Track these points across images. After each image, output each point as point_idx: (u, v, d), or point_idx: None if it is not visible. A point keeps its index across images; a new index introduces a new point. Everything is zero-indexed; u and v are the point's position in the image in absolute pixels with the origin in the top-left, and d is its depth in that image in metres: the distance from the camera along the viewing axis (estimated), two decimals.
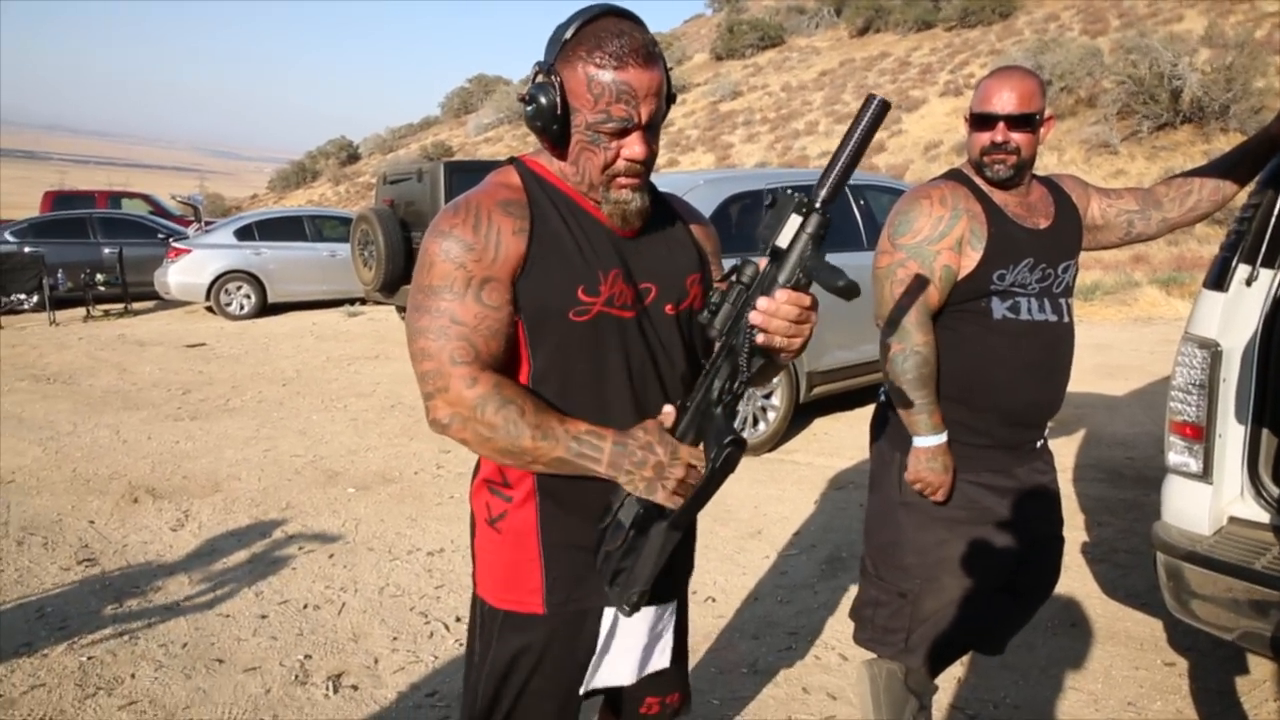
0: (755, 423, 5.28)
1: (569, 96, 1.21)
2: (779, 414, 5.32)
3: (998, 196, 1.95)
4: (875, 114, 1.06)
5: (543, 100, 1.21)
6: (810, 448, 5.38)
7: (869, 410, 6.37)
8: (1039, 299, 1.94)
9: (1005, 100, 1.86)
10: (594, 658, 1.40)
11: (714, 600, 3.28)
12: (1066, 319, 1.99)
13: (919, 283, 1.91)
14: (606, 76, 1.18)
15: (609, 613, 1.37)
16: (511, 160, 1.35)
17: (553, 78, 1.22)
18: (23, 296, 11.64)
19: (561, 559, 1.34)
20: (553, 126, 1.22)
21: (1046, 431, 2.07)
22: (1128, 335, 8.93)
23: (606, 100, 1.20)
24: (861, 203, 5.85)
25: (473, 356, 1.22)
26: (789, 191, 1.13)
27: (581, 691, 1.43)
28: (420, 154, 33.59)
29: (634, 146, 1.23)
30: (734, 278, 1.17)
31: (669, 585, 1.44)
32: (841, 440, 5.48)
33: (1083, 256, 2.07)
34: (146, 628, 2.99)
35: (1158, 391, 6.50)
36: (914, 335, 1.91)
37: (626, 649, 1.43)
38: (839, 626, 3.03)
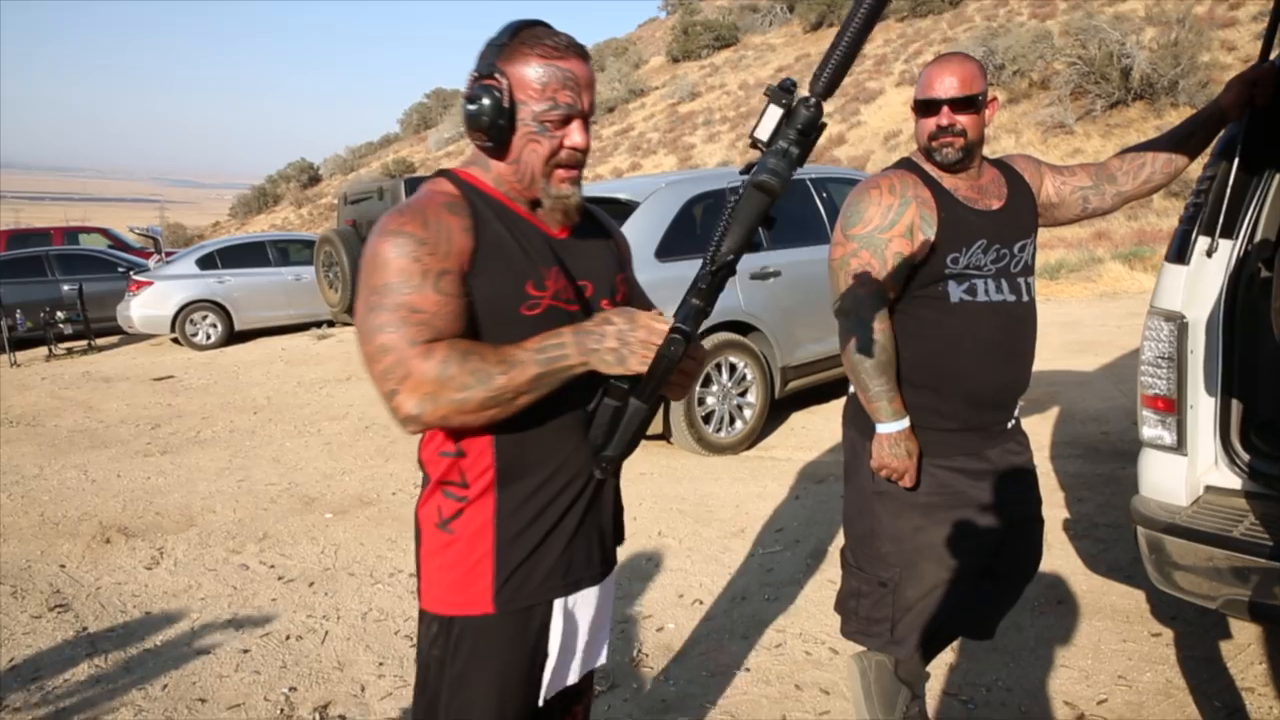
0: (732, 421, 5.27)
1: (515, 90, 1.27)
2: (755, 411, 5.32)
3: (948, 181, 1.96)
4: None
5: (487, 100, 1.26)
6: (788, 442, 5.39)
7: (844, 402, 6.42)
8: (996, 280, 1.95)
9: (947, 85, 1.89)
10: (549, 659, 1.41)
11: (701, 602, 3.26)
12: (1026, 298, 1.99)
13: (872, 271, 1.91)
14: (552, 67, 1.27)
15: (559, 608, 1.39)
16: (441, 172, 1.37)
17: (496, 77, 1.28)
18: None
19: (514, 554, 1.34)
20: (499, 122, 1.27)
21: (1017, 411, 2.08)
22: (1094, 311, 9.05)
23: (553, 88, 1.27)
24: (824, 195, 5.87)
25: (430, 337, 1.23)
26: (785, 81, 1.10)
27: (540, 700, 1.43)
28: (381, 172, 33.39)
29: (576, 135, 1.31)
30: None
31: (604, 554, 1.47)
32: (819, 433, 5.49)
33: (1045, 235, 2.08)
34: (124, 671, 2.92)
35: (1127, 365, 6.58)
36: (870, 324, 1.91)
37: (575, 645, 1.46)
38: (828, 620, 3.02)
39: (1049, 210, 2.09)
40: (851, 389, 2.11)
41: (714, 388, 5.15)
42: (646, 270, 4.76)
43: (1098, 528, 3.70)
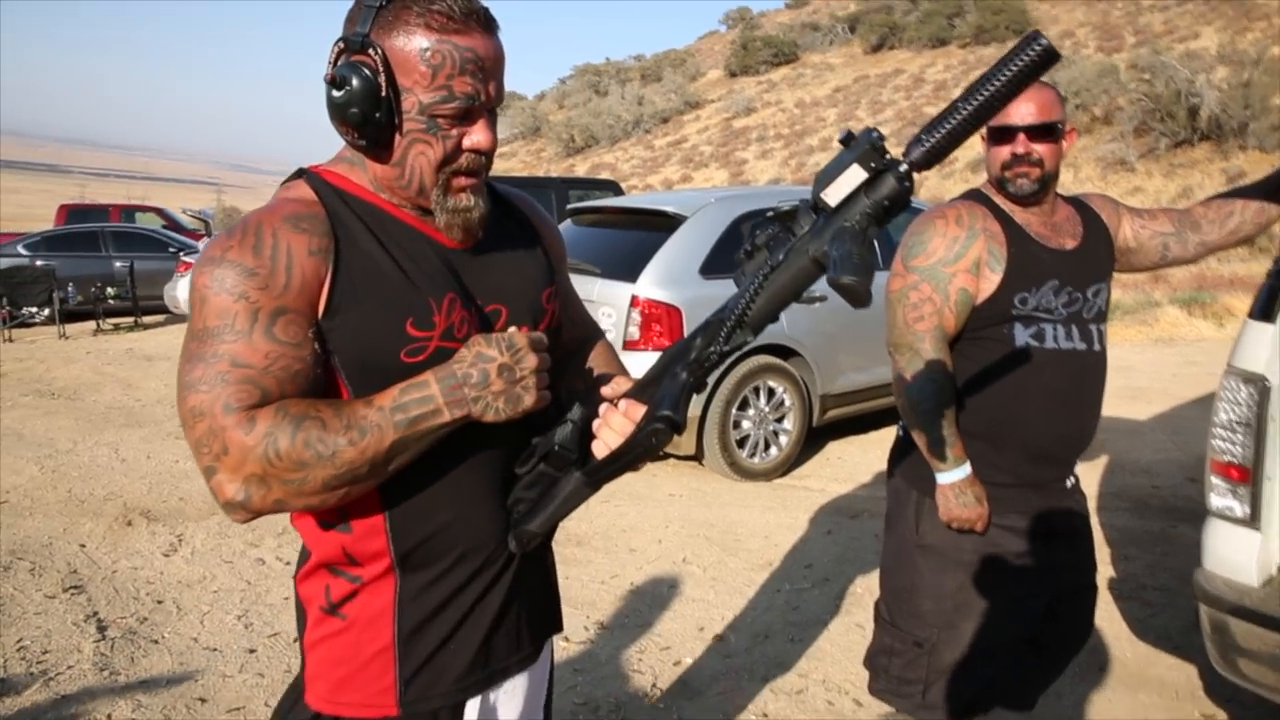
0: (767, 447, 5.13)
1: (396, 72, 0.98)
2: (791, 438, 5.17)
3: (1019, 215, 1.83)
4: (1034, 62, 0.78)
5: (356, 82, 0.97)
6: (823, 473, 5.23)
7: (883, 434, 6.24)
8: (1066, 325, 1.81)
9: (1024, 111, 1.75)
10: None
11: (721, 637, 3.13)
12: (1097, 346, 1.85)
13: (934, 306, 1.78)
14: (447, 43, 0.97)
15: (475, 707, 1.15)
16: (300, 172, 1.09)
17: (370, 52, 0.98)
18: (33, 310, 11.61)
19: (420, 646, 1.09)
20: (374, 115, 0.98)
21: (1077, 468, 1.93)
22: (1149, 357, 8.74)
23: (447, 72, 0.98)
24: None
25: (256, 400, 0.95)
26: (872, 134, 0.86)
27: None
28: None
29: (479, 134, 1.02)
30: (774, 229, 0.95)
31: (534, 634, 1.21)
32: (855, 465, 5.33)
33: None
34: (129, 663, 2.87)
35: (1182, 416, 6.32)
36: (930, 363, 1.78)
37: None
38: (853, 669, 2.88)
39: (1126, 255, 1.95)
40: (900, 432, 1.98)
41: (750, 411, 5.02)
42: (690, 287, 4.66)
43: (1146, 590, 3.50)
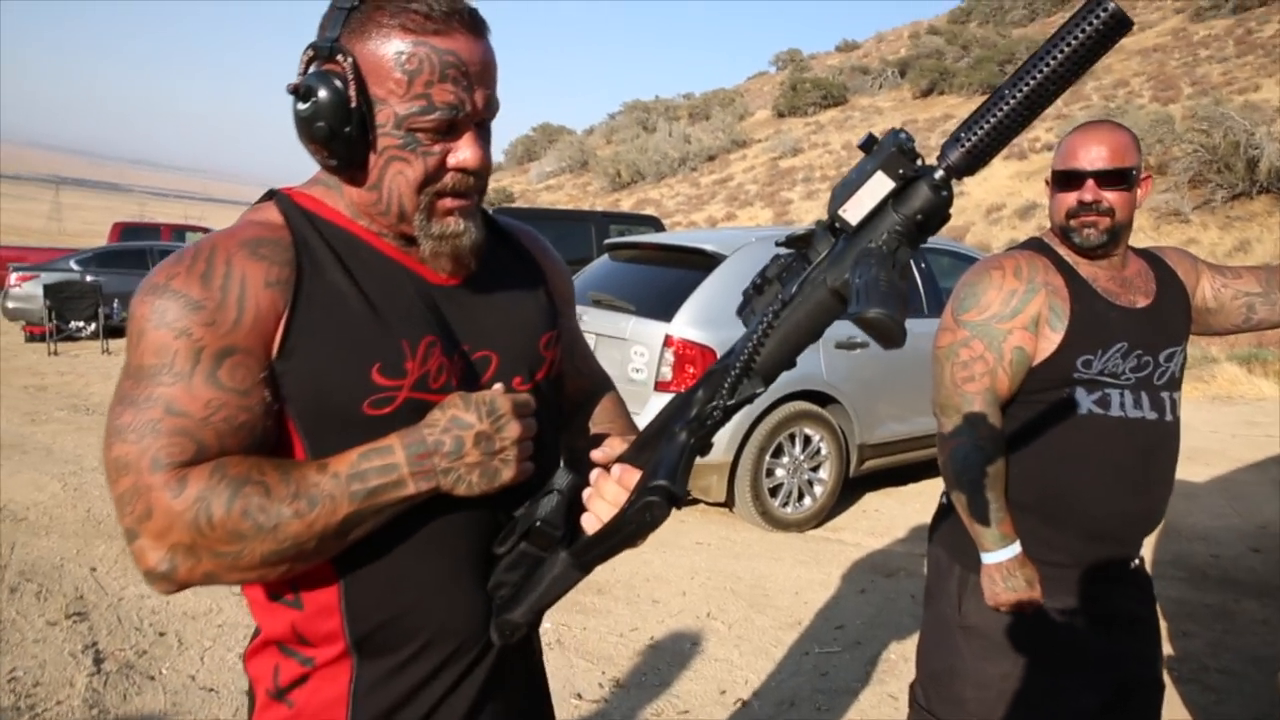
0: (801, 497, 4.93)
1: (368, 81, 0.86)
2: (827, 488, 4.97)
3: (1085, 269, 1.65)
4: (1098, 34, 0.62)
5: (324, 93, 0.85)
6: (859, 525, 5.00)
7: (923, 487, 6.00)
8: (1135, 391, 1.62)
9: (1094, 155, 1.59)
10: None
11: (744, 702, 2.93)
12: (1170, 416, 1.66)
13: (985, 366, 1.61)
14: (424, 46, 0.85)
15: None
16: (271, 194, 0.97)
17: (341, 60, 0.86)
18: (80, 324, 11.80)
19: None
20: (344, 130, 0.86)
21: (1142, 550, 1.74)
22: (1205, 415, 8.37)
23: (425, 79, 0.86)
24: (923, 265, 5.52)
25: (191, 456, 0.82)
26: (899, 135, 0.71)
27: None
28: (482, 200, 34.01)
29: (466, 150, 0.90)
30: (785, 258, 0.81)
31: None
32: (892, 519, 5.10)
33: None
34: (121, 700, 2.75)
35: (1241, 480, 5.99)
36: (979, 428, 1.60)
37: None
38: None
39: (1204, 316, 1.76)
40: (943, 499, 1.81)
41: (785, 459, 4.83)
42: (727, 328, 4.51)
43: (1208, 672, 3.23)
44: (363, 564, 0.91)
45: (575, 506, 0.93)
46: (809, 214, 24.66)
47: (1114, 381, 1.60)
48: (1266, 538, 4.77)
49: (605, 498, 0.89)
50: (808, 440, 4.90)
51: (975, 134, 0.67)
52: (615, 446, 0.96)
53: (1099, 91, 27.26)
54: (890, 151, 0.69)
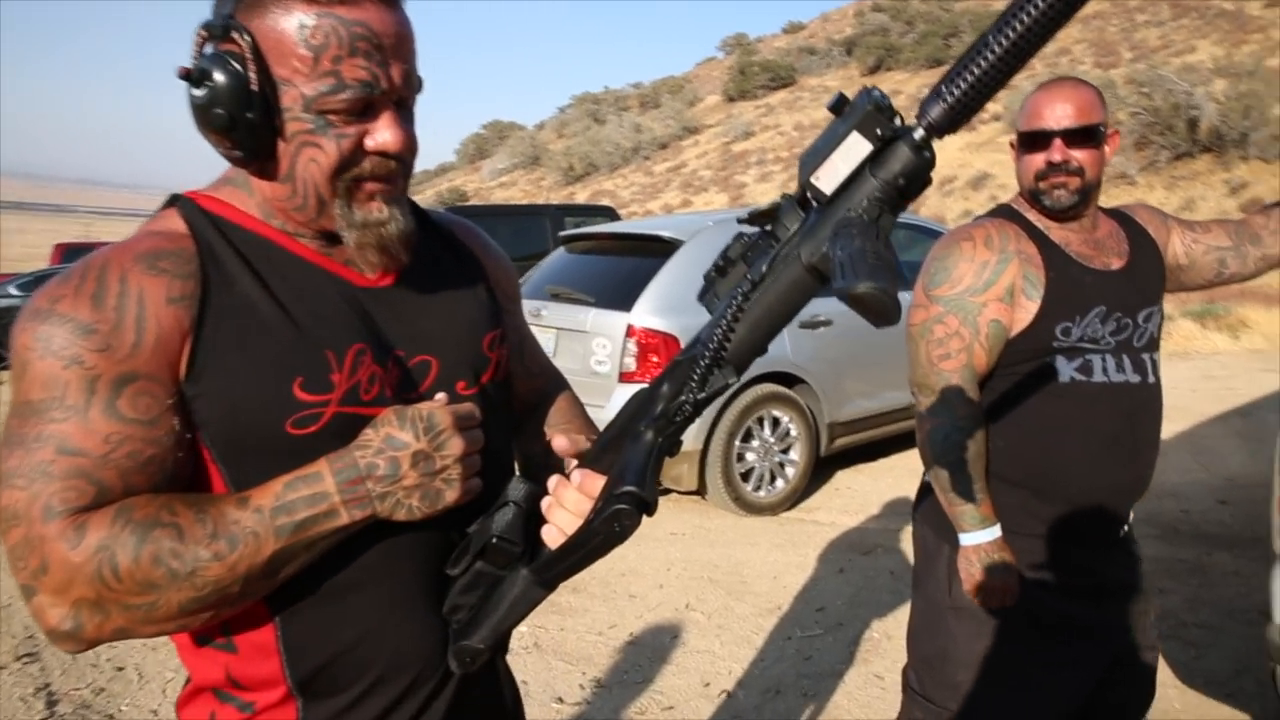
0: (773, 479, 4.88)
1: (269, 60, 0.77)
2: (798, 469, 4.92)
3: (1056, 233, 1.60)
4: None
5: (220, 77, 0.76)
6: (833, 504, 4.97)
7: (894, 461, 5.98)
8: (1116, 355, 1.58)
9: (1061, 113, 1.53)
10: None
11: (729, 694, 2.87)
12: (1152, 378, 1.62)
13: (962, 341, 1.55)
14: (330, 17, 0.76)
15: None
16: (173, 199, 0.86)
17: (237, 38, 0.76)
18: None
19: None
20: (245, 116, 0.76)
21: (1131, 519, 1.69)
22: (1164, 372, 8.44)
23: (333, 54, 0.76)
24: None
25: (90, 500, 0.73)
26: (873, 93, 0.64)
27: None
28: (435, 200, 33.66)
29: (385, 131, 0.80)
30: (749, 236, 0.74)
31: None
32: (866, 496, 5.07)
33: None
34: None
35: (1205, 434, 6.06)
36: (957, 407, 1.54)
37: None
38: None
39: (1176, 273, 1.72)
40: (926, 477, 1.75)
41: (755, 443, 4.77)
42: (689, 315, 4.44)
43: (1187, 628, 3.24)
44: (299, 599, 0.82)
45: (534, 518, 0.84)
46: (764, 196, 24.69)
47: (1094, 347, 1.55)
48: (1234, 490, 4.82)
49: (566, 507, 0.81)
50: (777, 422, 4.86)
51: (958, 88, 0.59)
52: (579, 440, 0.88)
53: (1042, 60, 27.55)
54: (865, 110, 0.62)
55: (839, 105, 0.65)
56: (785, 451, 4.91)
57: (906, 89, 29.88)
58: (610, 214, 9.99)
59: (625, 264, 4.99)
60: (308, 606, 0.83)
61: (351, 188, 0.82)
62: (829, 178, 0.64)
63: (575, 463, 0.85)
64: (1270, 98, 17.30)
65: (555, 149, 40.25)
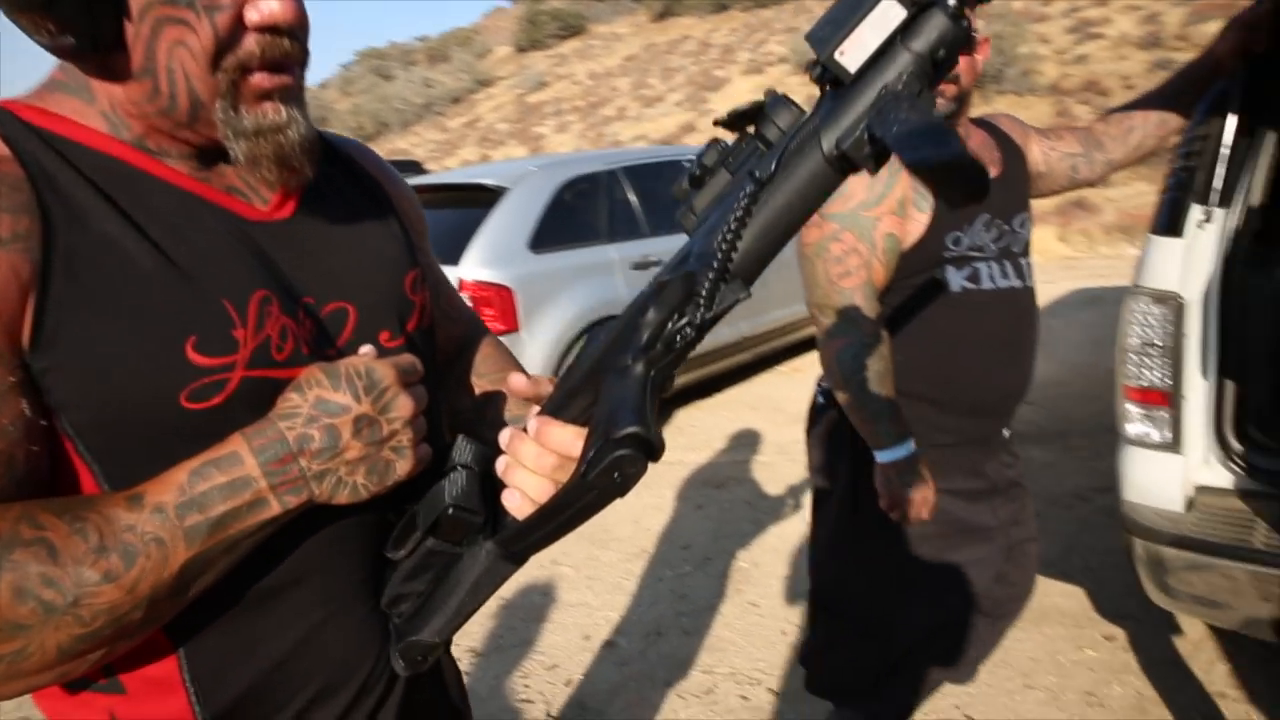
0: None
1: None
2: None
3: None
4: None
5: None
6: (677, 443, 5.02)
7: (726, 397, 6.09)
8: (999, 262, 1.61)
9: None
10: None
11: (611, 644, 2.83)
12: (1030, 282, 1.67)
13: (860, 259, 1.53)
14: None
15: None
16: None
17: None
18: None
19: None
20: None
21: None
22: None
23: None
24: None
25: None
26: None
27: None
28: None
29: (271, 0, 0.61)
30: (724, 145, 0.63)
31: None
32: (708, 431, 5.16)
33: None
34: None
35: (1044, 339, 6.61)
36: (862, 325, 1.52)
37: None
38: (759, 655, 2.67)
39: (1035, 180, 1.78)
40: (819, 399, 1.74)
41: None
42: (520, 263, 4.29)
43: None
44: (209, 619, 0.65)
45: (488, 482, 0.70)
46: (563, 146, 24.45)
47: (980, 254, 1.58)
48: (1037, 389, 5.26)
49: (526, 464, 0.65)
50: None
51: None
52: (541, 380, 0.74)
53: (821, 4, 28.85)
54: None
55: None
56: None
57: (695, 33, 30.41)
58: (416, 168, 9.55)
59: (448, 216, 4.73)
60: (220, 628, 0.66)
61: (237, 82, 0.63)
62: (856, 51, 0.54)
63: (534, 412, 0.70)
64: (1017, 38, 19.04)
65: (342, 108, 37.98)
